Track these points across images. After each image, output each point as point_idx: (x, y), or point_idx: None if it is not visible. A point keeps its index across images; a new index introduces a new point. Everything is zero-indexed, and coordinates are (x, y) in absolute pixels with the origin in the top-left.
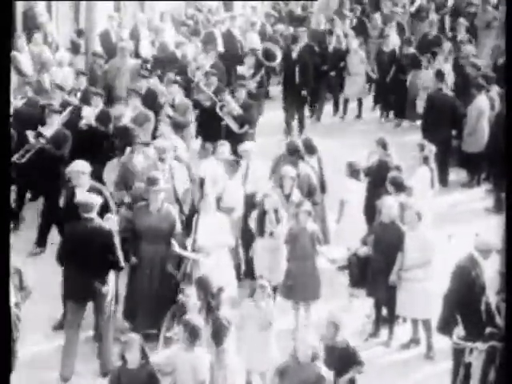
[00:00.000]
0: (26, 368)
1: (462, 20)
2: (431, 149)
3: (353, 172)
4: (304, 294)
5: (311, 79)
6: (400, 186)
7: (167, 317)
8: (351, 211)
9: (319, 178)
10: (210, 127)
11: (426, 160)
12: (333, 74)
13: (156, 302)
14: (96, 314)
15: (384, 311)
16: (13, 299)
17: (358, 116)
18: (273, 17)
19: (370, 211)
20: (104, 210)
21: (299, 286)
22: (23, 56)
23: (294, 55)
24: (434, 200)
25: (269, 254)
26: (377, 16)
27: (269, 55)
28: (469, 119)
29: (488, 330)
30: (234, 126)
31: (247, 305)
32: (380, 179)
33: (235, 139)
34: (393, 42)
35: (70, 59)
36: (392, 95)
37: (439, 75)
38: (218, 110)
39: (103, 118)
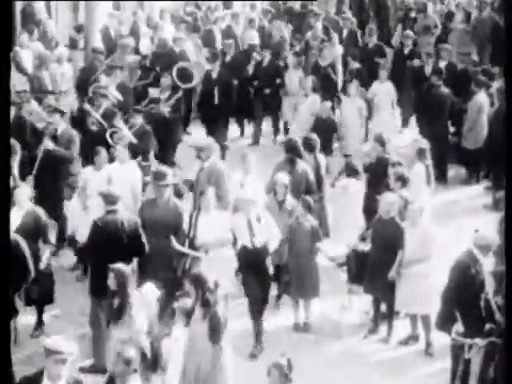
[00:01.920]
0: None
1: (409, 32)
2: (424, 145)
3: (350, 170)
4: (302, 291)
5: (234, 100)
6: (404, 181)
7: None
8: (350, 209)
9: (317, 176)
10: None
11: (420, 156)
12: (267, 91)
13: (162, 295)
14: None
15: (382, 307)
16: None
17: None
18: (269, 13)
19: (370, 208)
20: None
21: (297, 283)
22: (25, 52)
23: (214, 74)
24: (433, 197)
25: None
26: (318, 24)
27: (184, 76)
28: (469, 116)
29: (487, 326)
30: None
31: None
32: (379, 176)
33: None
34: (333, 53)
35: (69, 55)
36: None
37: (437, 72)
38: (107, 137)
39: None
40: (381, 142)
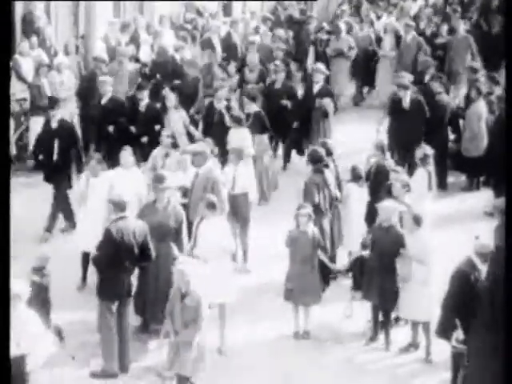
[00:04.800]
0: None
1: (319, 66)
2: (428, 151)
3: (355, 177)
4: (304, 298)
5: (80, 154)
6: (409, 188)
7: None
8: (352, 216)
9: (337, 180)
10: None
11: (423, 162)
12: (144, 140)
13: (162, 298)
14: (119, 311)
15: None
16: None
17: None
18: (269, 21)
19: (371, 215)
20: None
21: (299, 290)
22: (25, 60)
23: (54, 123)
24: (434, 203)
25: None
26: (252, 53)
27: None
28: (467, 123)
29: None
30: None
31: None
32: (378, 183)
33: None
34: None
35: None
36: None
37: (438, 79)
38: None
39: None
40: (381, 148)
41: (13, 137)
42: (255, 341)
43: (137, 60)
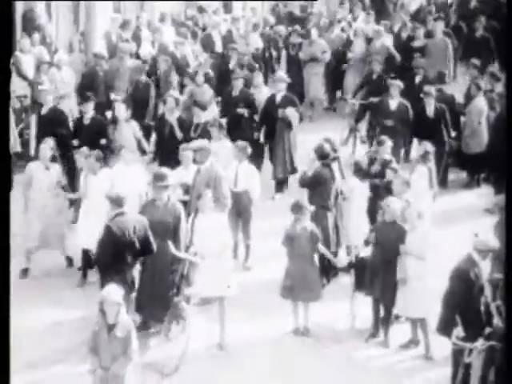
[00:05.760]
0: None
1: (281, 75)
2: (429, 148)
3: (358, 171)
4: (303, 295)
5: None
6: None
7: (167, 317)
8: (354, 210)
9: (342, 176)
10: None
11: (423, 159)
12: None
13: (160, 296)
14: None
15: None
16: None
17: None
18: (270, 21)
19: (373, 211)
20: None
21: (298, 287)
22: (26, 57)
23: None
24: (434, 200)
25: None
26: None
27: None
28: (468, 120)
29: (487, 330)
30: None
31: None
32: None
33: None
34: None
35: (68, 58)
36: None
37: (441, 76)
38: None
39: None
40: (383, 145)
41: (13, 133)
42: (255, 337)
43: (137, 57)
